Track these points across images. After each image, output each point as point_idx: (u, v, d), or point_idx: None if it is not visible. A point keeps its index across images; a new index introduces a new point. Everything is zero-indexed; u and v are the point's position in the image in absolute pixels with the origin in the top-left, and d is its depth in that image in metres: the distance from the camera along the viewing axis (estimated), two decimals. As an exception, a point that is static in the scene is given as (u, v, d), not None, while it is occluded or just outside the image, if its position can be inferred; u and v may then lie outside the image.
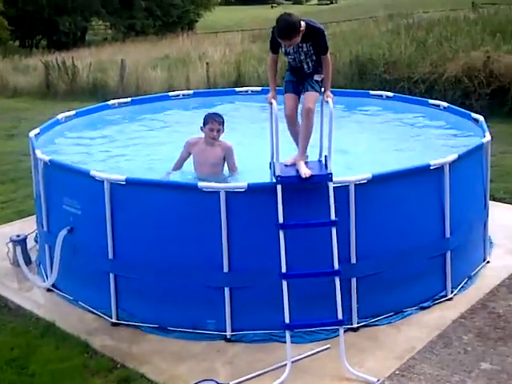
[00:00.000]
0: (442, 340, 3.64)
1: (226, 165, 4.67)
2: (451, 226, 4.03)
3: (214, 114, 4.64)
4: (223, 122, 4.60)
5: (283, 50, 3.80)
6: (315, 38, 3.70)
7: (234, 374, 3.37)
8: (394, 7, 18.35)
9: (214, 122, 4.54)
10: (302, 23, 3.61)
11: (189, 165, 4.76)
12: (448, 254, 4.07)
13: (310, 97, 3.78)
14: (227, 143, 4.66)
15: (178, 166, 4.76)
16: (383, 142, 5.63)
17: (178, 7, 35.80)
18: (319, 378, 3.33)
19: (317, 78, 3.82)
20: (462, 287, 4.23)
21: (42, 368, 3.46)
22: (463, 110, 5.62)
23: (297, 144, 3.92)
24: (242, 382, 3.29)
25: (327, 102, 3.78)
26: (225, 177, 4.60)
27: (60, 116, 5.58)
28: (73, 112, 5.77)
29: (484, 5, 18.07)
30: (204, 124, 4.60)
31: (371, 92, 6.58)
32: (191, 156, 4.73)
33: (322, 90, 3.85)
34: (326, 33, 3.75)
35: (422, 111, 6.05)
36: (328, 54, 3.80)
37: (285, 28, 3.59)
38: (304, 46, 3.72)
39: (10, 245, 4.76)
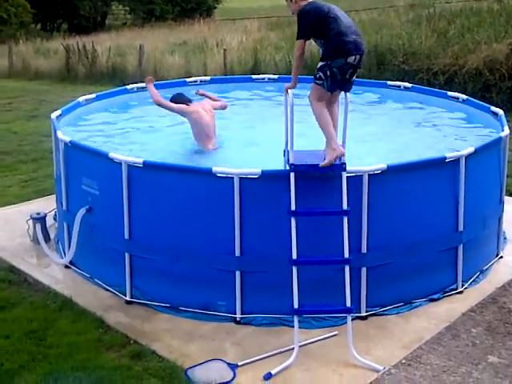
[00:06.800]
0: (450, 332, 3.64)
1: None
2: (465, 220, 4.01)
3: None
4: None
5: None
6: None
7: (242, 355, 3.43)
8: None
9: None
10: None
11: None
12: (460, 248, 4.05)
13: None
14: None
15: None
16: (398, 133, 5.59)
17: (197, -7, 35.61)
18: (325, 363, 3.37)
19: (318, 65, 3.65)
20: (473, 281, 4.22)
21: (59, 340, 3.57)
22: (482, 103, 5.55)
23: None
24: (249, 363, 3.35)
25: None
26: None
27: (81, 99, 5.66)
28: (93, 95, 5.85)
29: (509, -5, 17.67)
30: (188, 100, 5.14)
31: (389, 82, 6.54)
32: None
33: (320, 76, 3.61)
34: (308, 14, 3.59)
35: (441, 103, 5.98)
36: (297, 40, 3.65)
37: None
38: None
39: (30, 222, 4.87)
